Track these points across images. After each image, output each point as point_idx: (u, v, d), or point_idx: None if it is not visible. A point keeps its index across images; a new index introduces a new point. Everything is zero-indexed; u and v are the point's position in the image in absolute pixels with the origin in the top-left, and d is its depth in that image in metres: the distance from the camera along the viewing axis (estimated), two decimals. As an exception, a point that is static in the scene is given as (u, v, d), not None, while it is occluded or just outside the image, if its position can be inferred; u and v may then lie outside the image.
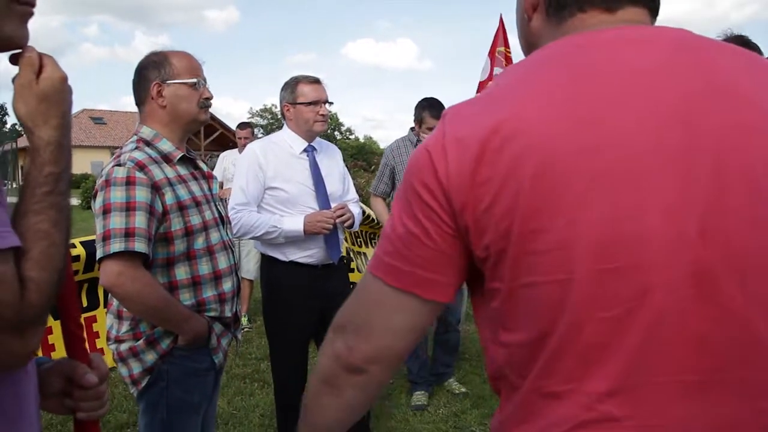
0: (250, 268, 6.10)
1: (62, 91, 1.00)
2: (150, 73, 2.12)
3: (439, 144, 0.88)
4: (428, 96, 4.35)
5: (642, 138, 0.80)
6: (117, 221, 1.91)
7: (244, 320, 6.06)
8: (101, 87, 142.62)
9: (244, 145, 6.17)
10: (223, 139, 34.35)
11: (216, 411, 2.53)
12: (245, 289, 6.17)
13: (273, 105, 54.63)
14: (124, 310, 2.04)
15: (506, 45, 6.37)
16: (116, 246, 1.89)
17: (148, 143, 2.10)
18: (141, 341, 2.03)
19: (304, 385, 3.39)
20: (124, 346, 2.05)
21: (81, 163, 39.19)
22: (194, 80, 2.13)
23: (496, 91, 0.92)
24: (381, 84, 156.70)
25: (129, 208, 1.92)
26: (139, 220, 1.93)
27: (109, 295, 2.12)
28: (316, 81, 3.18)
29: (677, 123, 0.80)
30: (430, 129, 4.12)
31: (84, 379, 1.13)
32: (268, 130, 69.01)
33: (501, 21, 6.40)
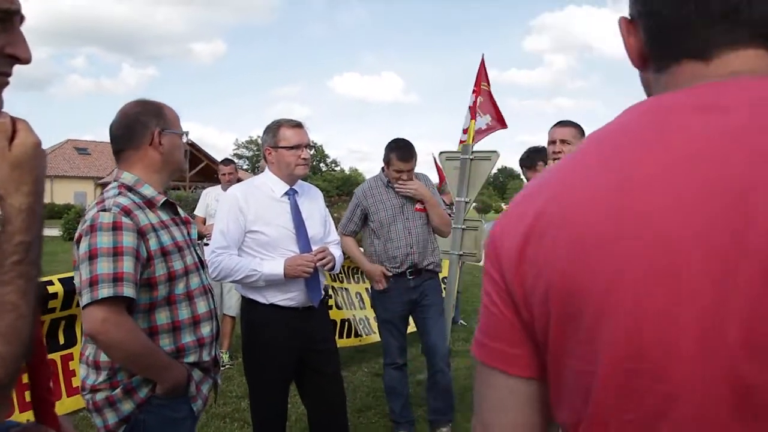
0: (231, 304, 6.05)
1: (35, 157, 0.97)
2: (149, 120, 2.16)
3: (500, 220, 0.90)
4: (400, 137, 4.35)
5: (685, 232, 0.71)
6: (105, 266, 1.90)
7: (225, 357, 6.00)
8: (86, 118, 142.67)
9: (228, 181, 6.18)
10: (208, 170, 34.36)
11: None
12: (227, 325, 6.11)
13: (259, 137, 54.75)
14: (101, 360, 2.02)
15: (487, 81, 6.49)
16: (105, 291, 1.89)
17: (129, 188, 2.12)
18: (118, 390, 2.01)
19: (284, 423, 3.36)
20: (99, 396, 2.02)
21: (64, 194, 38.96)
22: (184, 131, 2.24)
23: (555, 168, 0.89)
24: (367, 116, 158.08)
25: (117, 253, 1.93)
26: (127, 265, 1.93)
27: (83, 344, 2.11)
28: (298, 125, 3.21)
29: (729, 220, 0.69)
30: (398, 171, 4.15)
31: None
32: (254, 161, 69.06)
33: (482, 61, 6.53)
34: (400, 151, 4.14)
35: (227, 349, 6.11)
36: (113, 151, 2.22)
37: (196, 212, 6.53)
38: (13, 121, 0.98)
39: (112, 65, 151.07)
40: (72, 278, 3.85)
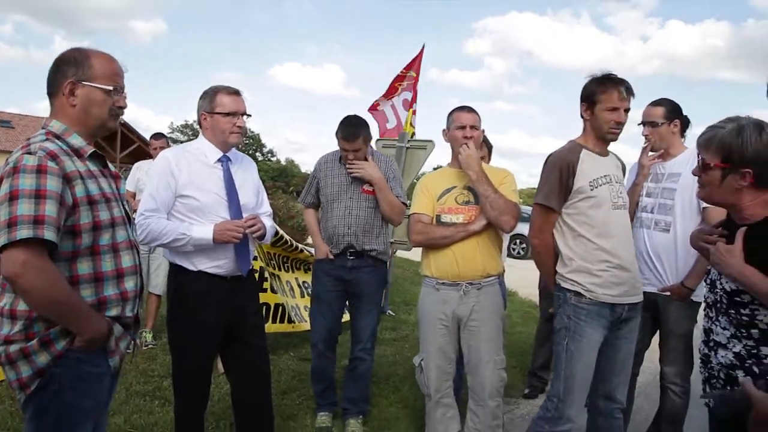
0: (158, 282, 5.92)
1: None
2: (68, 69, 2.08)
3: None
4: (354, 114, 4.25)
5: None
6: (25, 208, 1.83)
7: (149, 336, 5.87)
8: (12, 89, 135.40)
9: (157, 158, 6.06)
10: (140, 152, 33.28)
11: (107, 422, 2.42)
12: (152, 303, 5.98)
13: (194, 122, 53.55)
14: (18, 308, 1.94)
15: (417, 72, 6.60)
16: (24, 233, 1.81)
17: (57, 137, 2.04)
18: (34, 342, 1.93)
19: (206, 401, 3.31)
20: (13, 347, 1.94)
21: (-18, 169, 37.02)
22: (110, 87, 2.10)
23: None
24: (306, 108, 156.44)
25: (39, 195, 1.85)
26: (50, 209, 1.86)
27: None
28: (235, 92, 3.16)
29: None
30: (344, 150, 4.10)
31: None
32: (189, 147, 67.42)
33: (422, 50, 6.65)
34: (345, 129, 4.06)
35: (151, 329, 5.97)
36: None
37: (126, 187, 6.36)
38: None
39: (43, 36, 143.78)
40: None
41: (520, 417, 4.75)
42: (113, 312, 2.07)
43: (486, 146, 4.59)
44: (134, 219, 2.82)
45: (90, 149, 2.09)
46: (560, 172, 3.09)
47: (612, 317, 3.08)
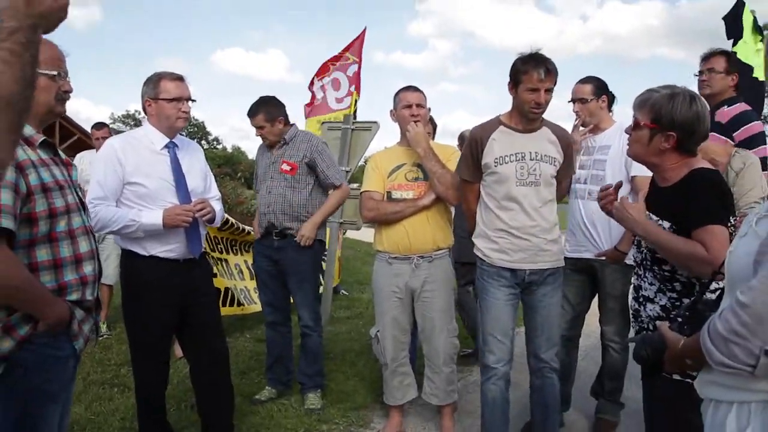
0: (109, 273, 5.87)
1: None
2: None
3: None
4: (266, 95, 4.45)
5: None
6: None
7: (103, 327, 5.85)
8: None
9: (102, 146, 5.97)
10: (81, 144, 32.13)
11: (70, 406, 2.47)
12: (104, 294, 5.95)
13: (137, 111, 52.17)
14: None
15: (359, 55, 6.66)
16: None
17: None
18: None
19: (165, 385, 3.37)
20: None
21: None
22: (54, 72, 2.11)
23: None
24: (250, 94, 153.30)
25: None
26: (5, 198, 1.89)
27: None
28: (179, 78, 3.19)
29: None
30: (254, 127, 4.31)
31: None
32: (131, 137, 65.66)
33: (364, 32, 6.69)
34: (250, 107, 4.32)
35: (105, 319, 5.95)
36: None
37: None
38: None
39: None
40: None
41: (473, 383, 4.95)
42: (74, 296, 2.11)
43: (431, 125, 4.75)
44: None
45: (40, 137, 2.12)
46: (470, 148, 3.34)
47: (515, 280, 3.29)
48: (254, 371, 4.94)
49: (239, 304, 5.87)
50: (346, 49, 6.56)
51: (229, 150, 68.69)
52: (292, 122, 4.43)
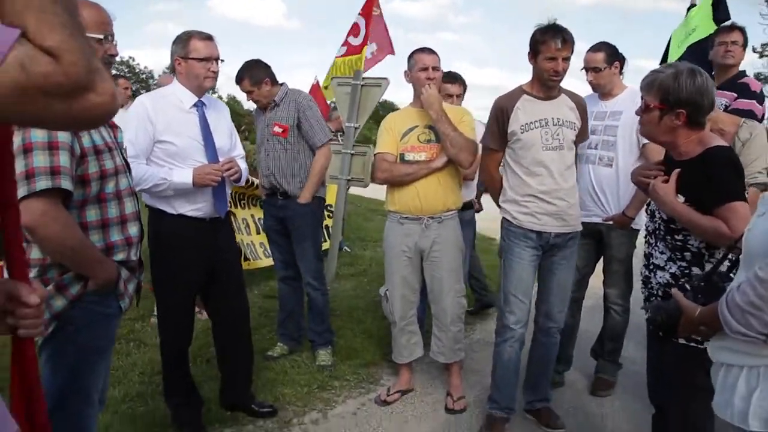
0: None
1: None
2: None
3: None
4: (257, 59, 4.47)
5: None
6: (41, 159, 1.93)
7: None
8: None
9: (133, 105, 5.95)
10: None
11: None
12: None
13: (131, 58, 51.04)
14: (32, 257, 2.06)
15: (378, 6, 6.71)
16: (42, 183, 1.92)
17: None
18: (50, 287, 2.07)
19: (190, 341, 3.50)
20: None
21: None
22: (100, 36, 2.15)
23: None
24: (246, 41, 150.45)
25: (52, 147, 1.95)
26: (63, 159, 1.97)
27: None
28: (209, 37, 3.23)
29: None
30: (246, 92, 4.39)
31: (28, 297, 1.20)
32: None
33: None
34: (237, 74, 4.40)
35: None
36: None
37: None
38: None
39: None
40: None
41: (476, 341, 5.13)
42: (120, 256, 2.21)
43: (462, 85, 4.88)
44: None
45: None
46: (496, 117, 3.48)
47: (540, 242, 3.46)
48: (265, 327, 5.08)
49: (245, 258, 5.98)
50: (369, 5, 6.60)
51: (225, 99, 67.72)
52: (281, 81, 4.47)
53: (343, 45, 6.93)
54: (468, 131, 3.76)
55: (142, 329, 4.92)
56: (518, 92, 3.48)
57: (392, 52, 6.91)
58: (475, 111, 4.23)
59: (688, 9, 5.48)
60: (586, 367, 4.44)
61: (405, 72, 3.89)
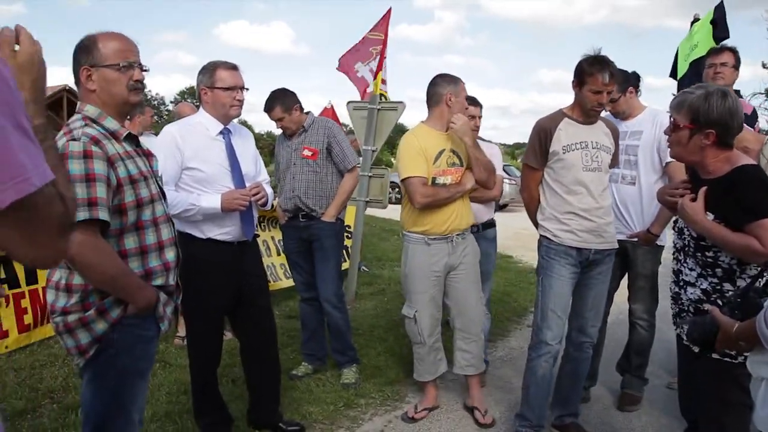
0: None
1: (37, 62, 1.24)
2: (81, 57, 2.21)
3: None
4: (276, 89, 4.57)
5: None
6: (78, 192, 1.98)
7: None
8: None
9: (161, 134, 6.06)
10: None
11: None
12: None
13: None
14: (74, 283, 2.11)
15: (385, 34, 6.77)
16: (81, 215, 1.97)
17: (93, 121, 2.18)
18: (91, 311, 2.11)
19: (219, 362, 3.53)
20: (72, 318, 2.12)
21: None
22: (121, 63, 2.20)
23: None
24: (256, 67, 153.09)
25: (89, 179, 2.02)
26: (100, 191, 2.03)
27: (49, 271, 2.20)
28: (234, 67, 3.31)
29: None
30: (277, 120, 4.47)
31: None
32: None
33: (389, 12, 6.79)
34: (265, 105, 4.49)
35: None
36: None
37: None
38: (17, 30, 1.23)
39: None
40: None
41: (498, 359, 5.12)
42: (158, 281, 2.26)
43: (480, 107, 4.98)
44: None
45: (125, 131, 2.24)
46: (539, 136, 3.54)
47: (579, 258, 3.50)
48: (288, 347, 5.09)
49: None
50: (376, 29, 6.67)
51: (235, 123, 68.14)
52: (306, 110, 4.59)
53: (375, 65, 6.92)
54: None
55: (166, 350, 4.95)
56: (560, 115, 3.57)
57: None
58: (483, 131, 4.34)
59: (692, 23, 5.53)
60: (611, 382, 4.43)
61: (448, 94, 3.82)
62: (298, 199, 4.43)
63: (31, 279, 4.77)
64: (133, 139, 2.30)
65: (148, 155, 2.37)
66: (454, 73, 3.93)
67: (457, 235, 3.88)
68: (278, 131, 4.71)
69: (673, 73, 5.66)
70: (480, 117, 4.55)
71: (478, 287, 4.02)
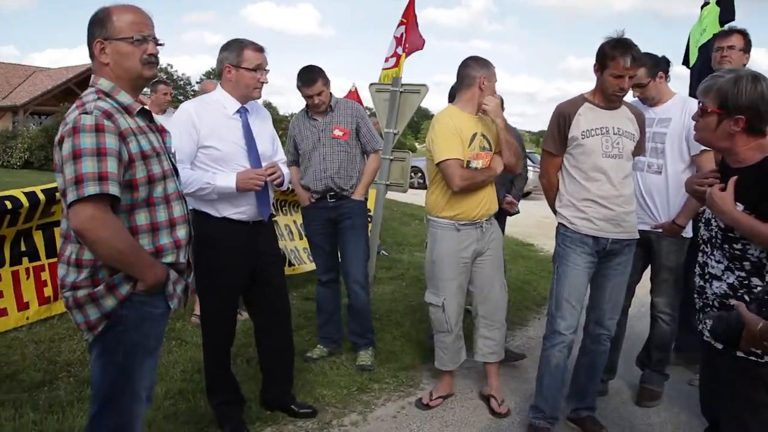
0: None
1: None
2: (95, 30, 2.17)
3: None
4: (306, 65, 4.46)
5: None
6: (89, 166, 1.95)
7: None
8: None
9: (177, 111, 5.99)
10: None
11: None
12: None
13: (169, 65, 52.05)
14: (84, 258, 2.09)
15: (407, 16, 6.69)
16: (91, 189, 1.95)
17: (107, 95, 2.14)
18: (101, 287, 2.09)
19: (232, 341, 3.51)
20: (81, 293, 2.10)
21: None
22: (135, 36, 2.16)
23: None
24: (281, 49, 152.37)
25: (100, 153, 1.98)
26: (111, 165, 1.99)
27: (61, 245, 2.17)
28: (260, 49, 3.25)
29: None
30: (308, 97, 4.36)
31: None
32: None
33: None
34: (303, 76, 4.36)
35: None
36: None
37: None
38: None
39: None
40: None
41: (516, 347, 5.04)
42: (169, 259, 2.23)
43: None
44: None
45: (138, 106, 2.20)
46: (558, 121, 3.47)
47: (596, 247, 3.43)
48: (304, 329, 5.09)
49: (290, 264, 6.02)
50: (408, 13, 6.60)
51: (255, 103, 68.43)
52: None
53: (392, 56, 6.89)
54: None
55: (183, 328, 4.96)
56: (580, 100, 3.48)
57: (420, 47, 6.84)
58: (509, 118, 4.22)
59: (702, 7, 5.36)
60: (630, 376, 4.35)
61: (482, 77, 3.73)
62: (331, 180, 4.39)
63: (51, 252, 4.80)
64: (146, 114, 2.26)
65: (161, 131, 2.33)
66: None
67: (486, 220, 3.84)
68: None
69: (686, 61, 5.50)
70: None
71: (502, 274, 4.00)
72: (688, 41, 5.48)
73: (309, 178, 4.47)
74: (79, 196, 1.95)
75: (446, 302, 3.85)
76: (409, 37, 6.56)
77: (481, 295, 3.92)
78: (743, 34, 4.20)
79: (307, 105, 4.48)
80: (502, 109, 4.75)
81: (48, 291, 4.86)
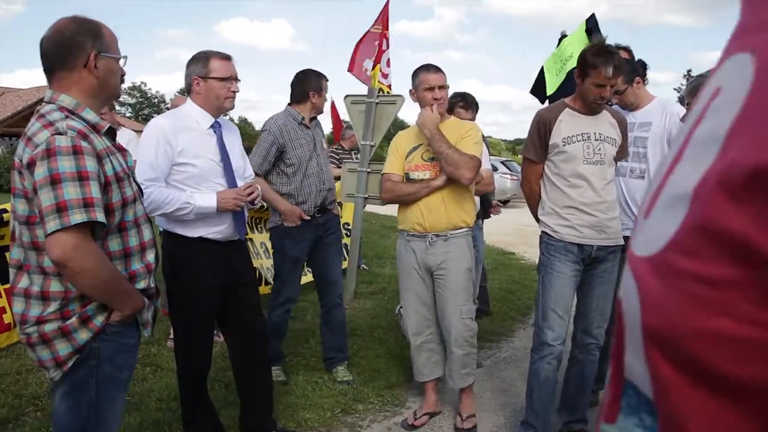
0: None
1: None
2: (86, 41, 2.02)
3: None
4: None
5: None
6: (72, 192, 1.82)
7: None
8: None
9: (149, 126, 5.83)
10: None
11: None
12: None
13: (143, 83, 51.69)
14: (51, 290, 1.94)
15: (385, 26, 6.59)
16: (77, 217, 1.81)
17: (71, 112, 1.99)
18: (72, 319, 1.95)
19: (209, 365, 3.35)
20: (49, 327, 1.94)
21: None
22: (122, 56, 2.12)
23: None
24: (255, 64, 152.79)
25: (81, 177, 1.84)
26: (94, 190, 1.86)
27: (14, 277, 2.00)
28: (228, 57, 3.13)
29: None
30: (311, 105, 4.30)
31: None
32: (137, 109, 65.37)
33: (387, 3, 6.61)
34: (312, 79, 4.34)
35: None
36: (43, 69, 2.06)
37: None
38: None
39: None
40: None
41: (502, 360, 4.95)
42: (142, 284, 2.10)
43: (473, 110, 4.97)
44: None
45: (106, 125, 2.07)
46: (538, 128, 3.43)
47: (581, 255, 3.37)
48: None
49: (267, 283, 5.86)
50: (384, 23, 6.51)
51: (237, 121, 68.33)
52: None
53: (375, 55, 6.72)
54: (469, 146, 3.59)
55: (158, 353, 4.78)
56: (561, 106, 3.45)
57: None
58: (485, 127, 4.15)
59: (559, 40, 5.26)
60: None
61: (410, 91, 3.79)
62: (328, 192, 4.33)
63: (5, 278, 4.55)
64: (110, 133, 2.12)
65: (122, 150, 2.18)
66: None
67: (436, 235, 3.66)
68: None
69: (536, 92, 5.35)
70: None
71: (460, 297, 3.66)
72: (541, 73, 5.34)
73: (306, 192, 4.23)
74: (64, 225, 1.81)
75: (404, 311, 3.86)
76: (381, 47, 6.46)
77: (439, 314, 3.78)
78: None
79: (297, 112, 4.28)
80: (473, 117, 4.68)
81: (8, 318, 4.61)
